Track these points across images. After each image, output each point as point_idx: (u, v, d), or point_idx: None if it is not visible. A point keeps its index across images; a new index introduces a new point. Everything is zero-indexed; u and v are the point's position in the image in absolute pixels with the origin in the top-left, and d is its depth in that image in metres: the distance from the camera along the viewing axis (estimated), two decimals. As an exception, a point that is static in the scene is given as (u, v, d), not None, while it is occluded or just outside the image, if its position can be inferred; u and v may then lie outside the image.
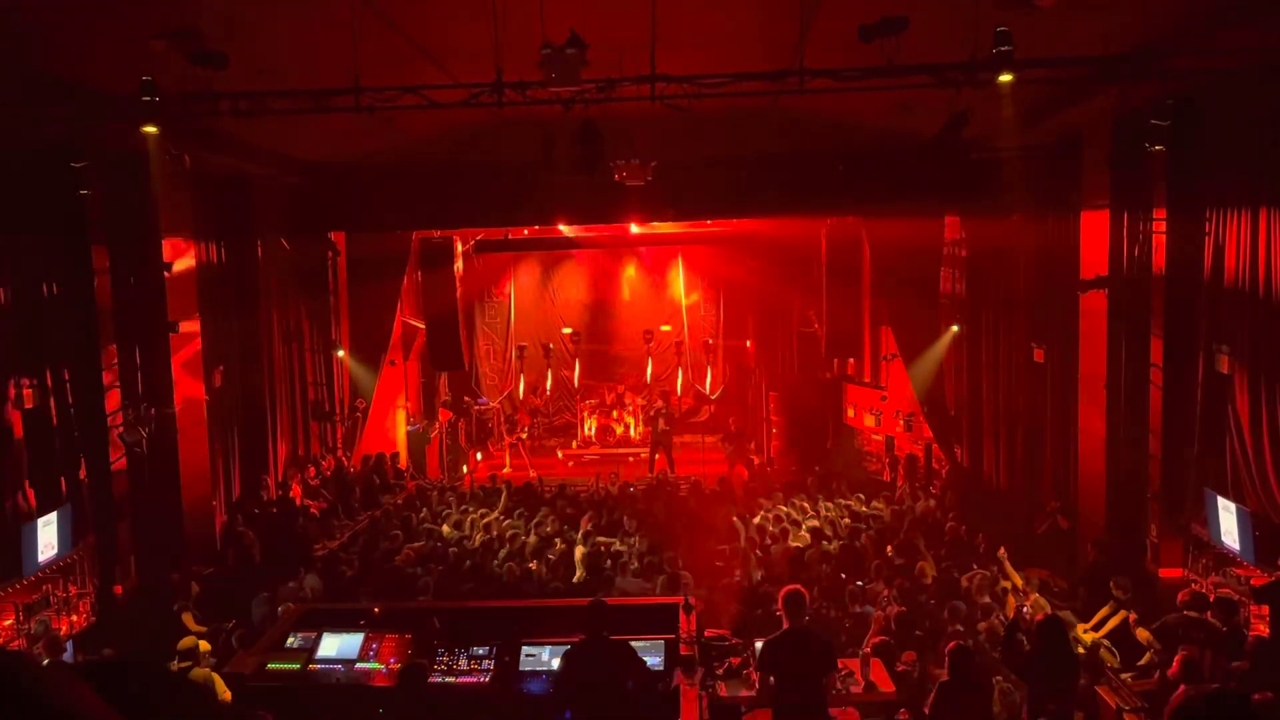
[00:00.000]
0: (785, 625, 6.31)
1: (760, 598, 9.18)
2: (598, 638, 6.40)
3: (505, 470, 18.48)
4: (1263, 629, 7.83)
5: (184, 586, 9.90)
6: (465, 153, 13.17)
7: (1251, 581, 8.28)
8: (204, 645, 8.36)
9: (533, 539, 11.63)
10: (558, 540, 11.64)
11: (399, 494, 15.27)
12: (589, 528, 11.92)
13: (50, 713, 0.86)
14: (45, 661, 8.07)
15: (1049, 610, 8.72)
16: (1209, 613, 7.77)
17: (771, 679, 6.32)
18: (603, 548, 11.09)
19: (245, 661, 7.58)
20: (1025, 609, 8.88)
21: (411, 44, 8.70)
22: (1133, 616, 8.65)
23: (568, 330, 21.29)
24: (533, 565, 10.63)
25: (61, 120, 8.84)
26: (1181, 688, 6.69)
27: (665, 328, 21.28)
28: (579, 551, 10.95)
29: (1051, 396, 12.15)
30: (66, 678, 0.94)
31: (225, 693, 7.22)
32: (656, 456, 18.21)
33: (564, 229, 17.64)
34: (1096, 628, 8.85)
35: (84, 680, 0.97)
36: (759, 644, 7.34)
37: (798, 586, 6.53)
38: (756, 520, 12.50)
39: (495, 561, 10.74)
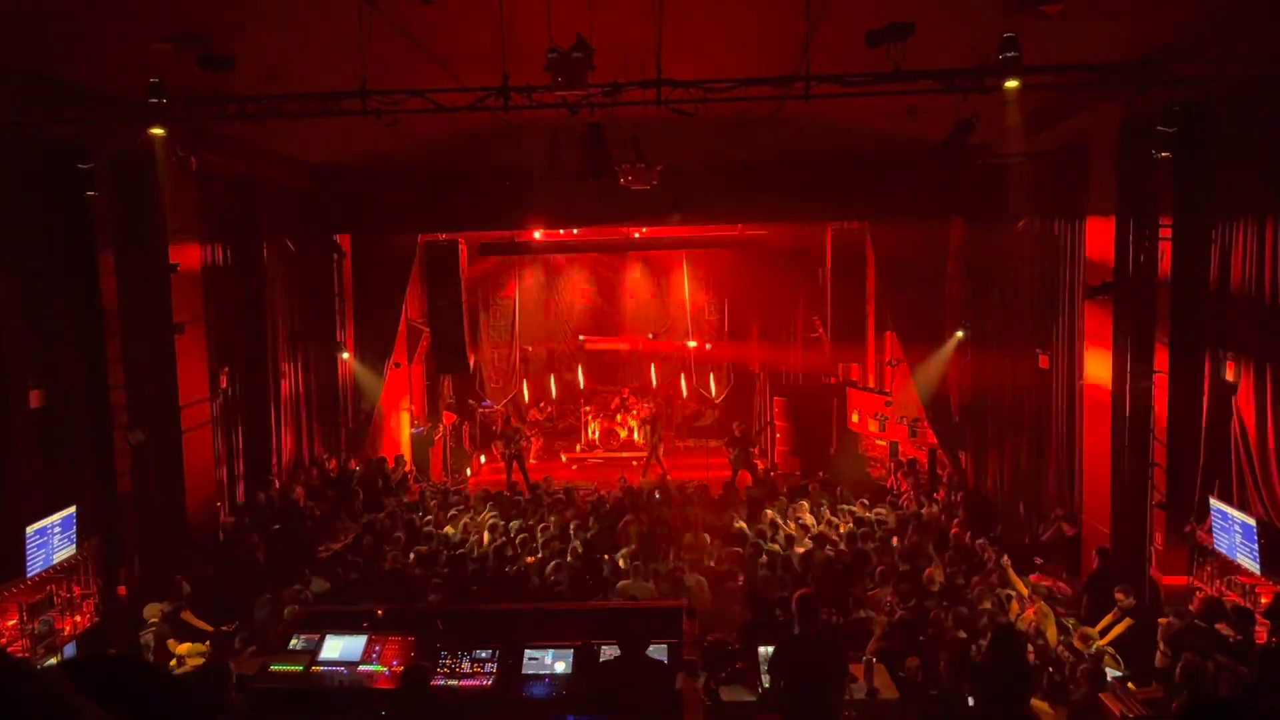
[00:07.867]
0: (797, 630, 6.25)
1: (763, 603, 9.15)
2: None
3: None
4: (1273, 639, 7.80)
5: (176, 586, 9.89)
6: (471, 156, 13.19)
7: (1261, 599, 8.25)
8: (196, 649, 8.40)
9: (538, 541, 11.62)
10: (574, 542, 11.61)
11: (403, 496, 15.27)
12: (593, 531, 11.90)
13: (50, 716, 0.85)
14: (49, 662, 8.09)
15: (1052, 617, 8.70)
16: (1223, 621, 7.74)
17: (782, 683, 6.27)
18: (604, 554, 11.07)
19: (248, 663, 7.58)
20: (1030, 620, 8.85)
21: (419, 48, 8.72)
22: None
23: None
24: (534, 568, 10.61)
25: (69, 122, 8.87)
26: (1184, 696, 6.68)
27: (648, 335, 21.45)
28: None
29: (1056, 403, 12.12)
30: (64, 679, 0.93)
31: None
32: (651, 463, 18.34)
33: (569, 232, 17.67)
34: (1101, 634, 8.82)
35: (67, 677, 0.96)
36: (762, 650, 7.32)
37: (809, 591, 6.47)
38: (752, 525, 12.46)
39: (501, 564, 10.73)
